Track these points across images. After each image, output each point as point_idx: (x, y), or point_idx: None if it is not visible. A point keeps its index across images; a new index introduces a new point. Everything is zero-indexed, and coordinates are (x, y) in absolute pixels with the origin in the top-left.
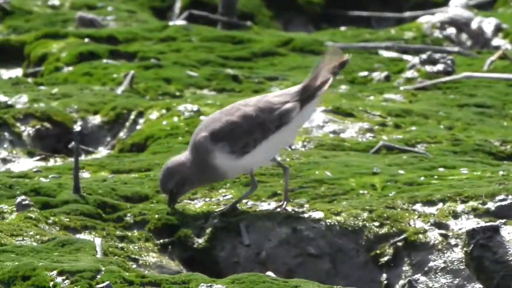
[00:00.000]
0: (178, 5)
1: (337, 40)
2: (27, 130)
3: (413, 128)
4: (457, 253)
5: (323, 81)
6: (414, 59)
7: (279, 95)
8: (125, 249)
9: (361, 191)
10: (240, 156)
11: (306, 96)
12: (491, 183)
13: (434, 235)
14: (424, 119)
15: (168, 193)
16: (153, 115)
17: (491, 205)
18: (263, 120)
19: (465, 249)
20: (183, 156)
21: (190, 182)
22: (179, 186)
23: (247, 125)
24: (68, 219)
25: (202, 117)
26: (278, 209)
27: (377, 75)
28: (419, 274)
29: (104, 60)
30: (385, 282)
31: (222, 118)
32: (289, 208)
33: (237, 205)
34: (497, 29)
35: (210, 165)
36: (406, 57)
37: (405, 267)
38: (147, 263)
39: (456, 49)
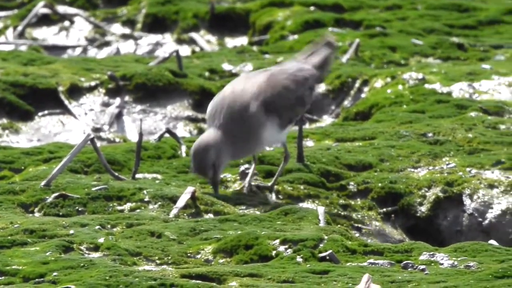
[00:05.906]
0: None
1: None
2: None
3: None
4: None
5: (329, 62)
6: None
7: (297, 70)
8: (348, 218)
9: None
10: (283, 129)
11: (317, 77)
12: None
13: None
14: None
15: (210, 169)
16: (378, 83)
17: None
18: (302, 94)
19: None
20: (210, 130)
21: (226, 152)
22: (218, 158)
23: (292, 98)
24: (291, 188)
25: (231, 86)
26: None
27: None
28: None
29: (330, 28)
30: None
31: (268, 89)
32: None
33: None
34: None
35: (257, 136)
36: None
37: None
38: (370, 232)
39: None
